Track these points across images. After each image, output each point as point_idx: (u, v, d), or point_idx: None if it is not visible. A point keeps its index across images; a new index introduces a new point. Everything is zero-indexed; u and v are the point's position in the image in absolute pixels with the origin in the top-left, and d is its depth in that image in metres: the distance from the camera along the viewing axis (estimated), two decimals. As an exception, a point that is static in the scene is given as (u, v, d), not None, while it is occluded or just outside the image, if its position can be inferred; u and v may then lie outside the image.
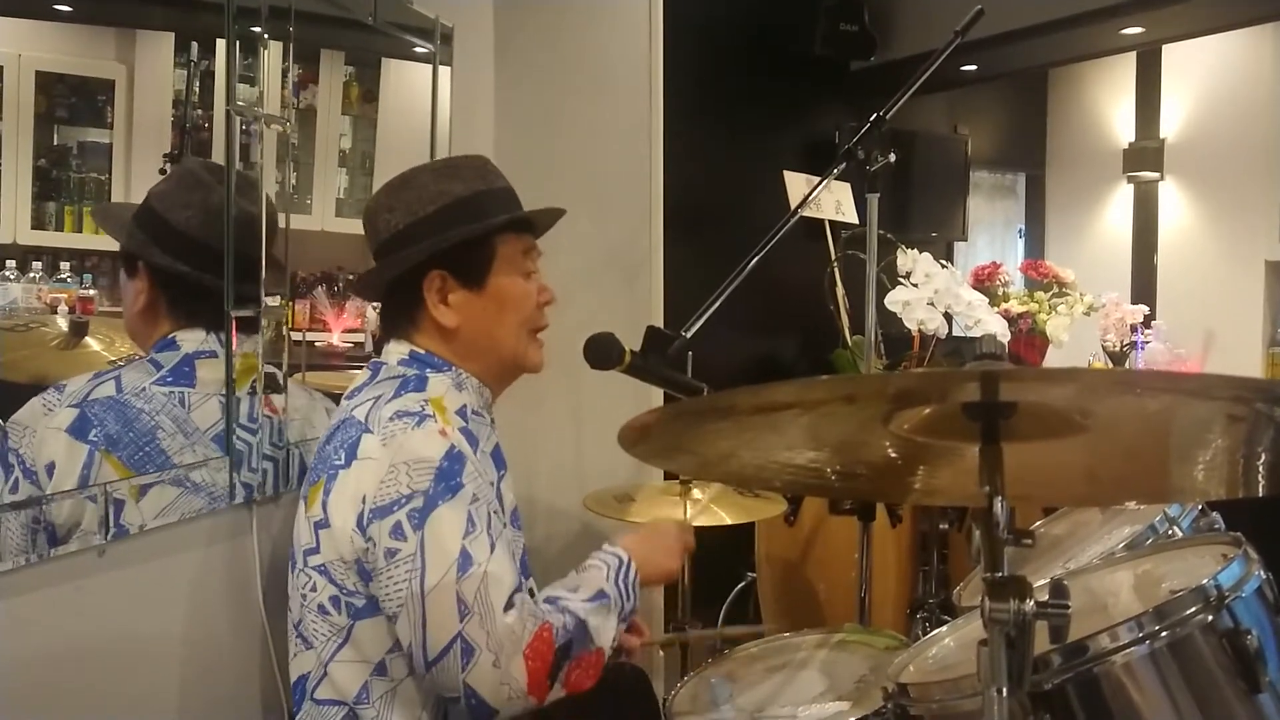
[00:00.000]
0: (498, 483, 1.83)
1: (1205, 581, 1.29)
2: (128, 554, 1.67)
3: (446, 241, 1.80)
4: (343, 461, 1.68)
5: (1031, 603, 1.04)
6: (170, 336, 1.87)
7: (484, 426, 1.85)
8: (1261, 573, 1.36)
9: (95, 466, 1.70)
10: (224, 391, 1.86)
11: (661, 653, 2.70)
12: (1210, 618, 1.27)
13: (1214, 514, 1.87)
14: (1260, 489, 1.24)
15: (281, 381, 1.98)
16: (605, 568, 1.75)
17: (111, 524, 1.64)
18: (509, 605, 1.60)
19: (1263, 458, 1.19)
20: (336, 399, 2.17)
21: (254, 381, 1.91)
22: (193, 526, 1.80)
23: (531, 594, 1.87)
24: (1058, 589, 1.07)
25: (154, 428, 1.77)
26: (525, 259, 1.89)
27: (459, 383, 1.83)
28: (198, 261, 1.86)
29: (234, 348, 1.86)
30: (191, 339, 1.87)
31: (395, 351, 1.85)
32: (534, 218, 1.91)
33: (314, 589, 1.70)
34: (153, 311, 1.88)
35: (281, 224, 2.04)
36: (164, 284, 1.88)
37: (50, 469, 1.68)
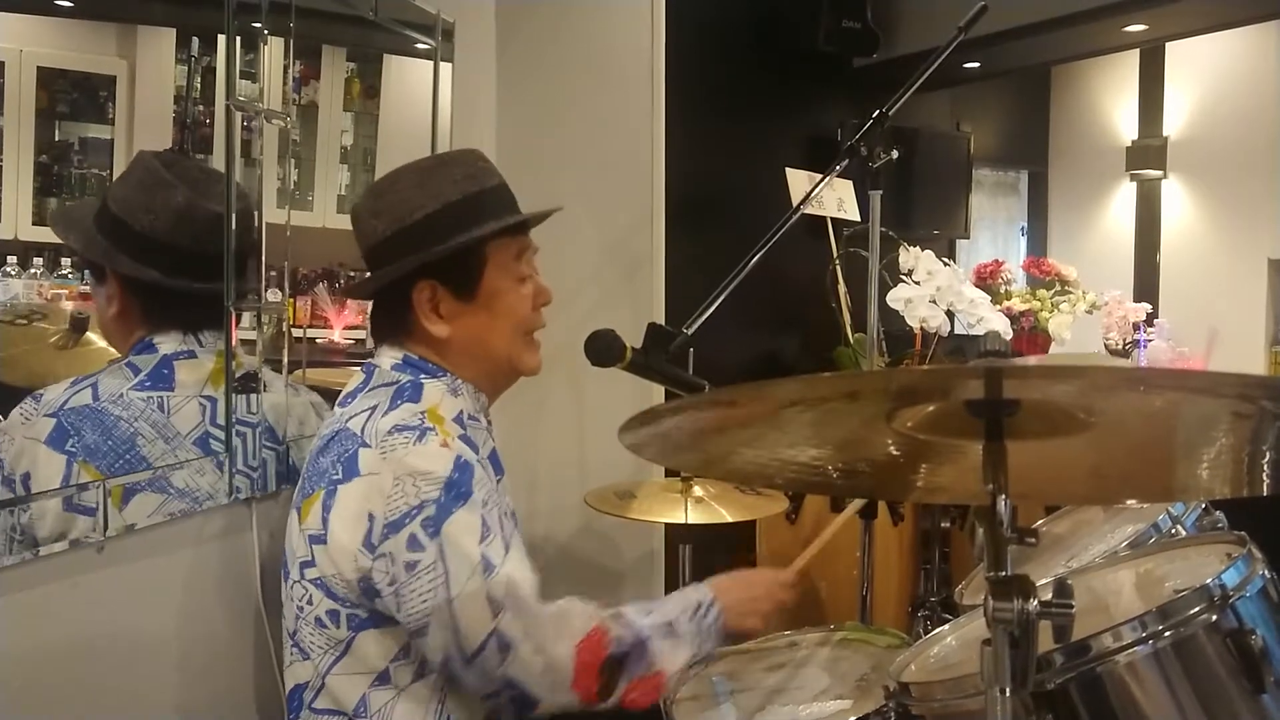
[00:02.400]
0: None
1: (1209, 581, 1.28)
2: (126, 551, 1.66)
3: (433, 256, 1.74)
4: (341, 476, 1.65)
5: (1035, 602, 1.03)
6: (148, 339, 1.84)
7: (480, 431, 1.83)
8: (1266, 572, 1.35)
9: (74, 478, 1.67)
10: (205, 393, 1.85)
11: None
12: (1214, 617, 1.26)
13: (1217, 513, 1.86)
14: (1265, 488, 1.23)
15: (272, 378, 1.97)
16: (685, 603, 1.73)
17: (107, 524, 1.63)
18: (539, 599, 1.60)
19: (1268, 456, 1.18)
20: (332, 394, 2.17)
21: (241, 377, 1.88)
22: (191, 523, 1.79)
23: None
24: (1061, 588, 1.06)
25: (133, 435, 1.75)
26: (519, 262, 1.83)
27: (454, 388, 1.80)
28: (166, 266, 1.82)
29: (206, 345, 1.85)
30: (169, 341, 1.84)
31: (389, 356, 1.82)
32: (526, 220, 1.85)
33: (310, 602, 1.67)
34: (126, 317, 1.85)
35: (281, 220, 2.03)
36: (133, 291, 1.84)
37: (26, 480, 1.66)
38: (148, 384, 1.80)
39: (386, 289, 1.80)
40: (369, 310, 1.91)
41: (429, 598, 1.58)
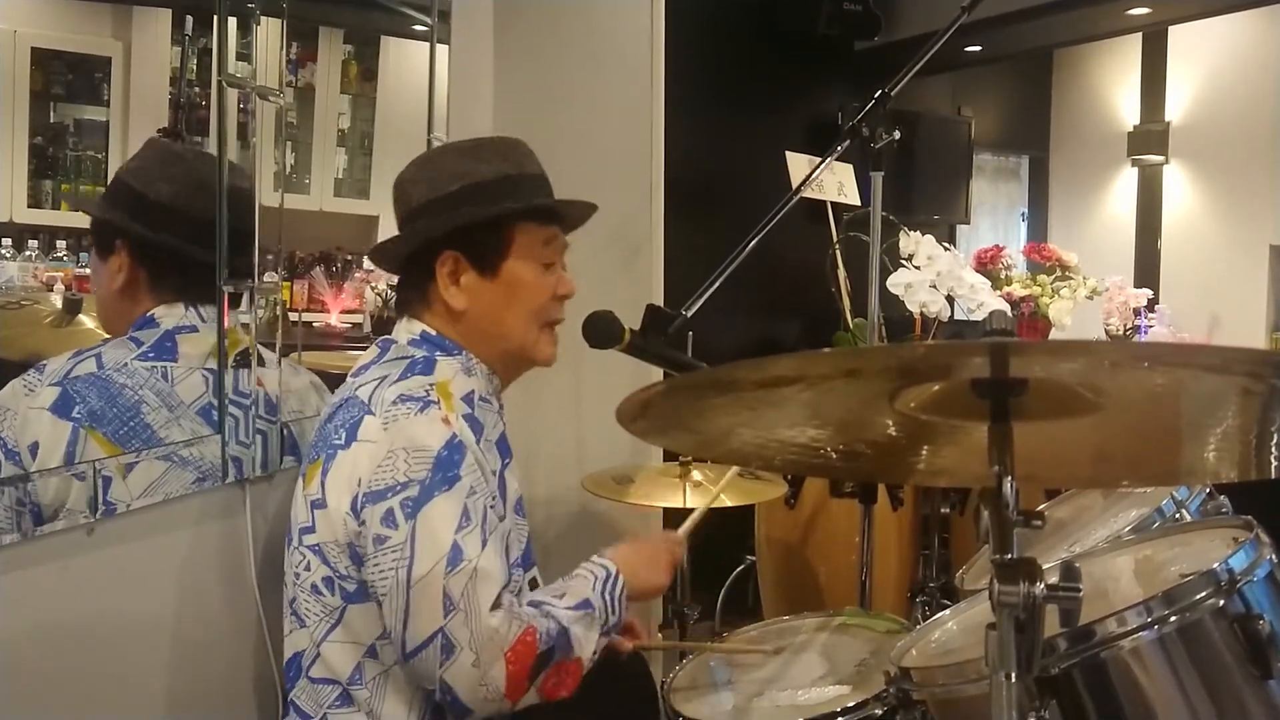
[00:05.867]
0: (501, 471, 1.80)
1: (1216, 565, 1.27)
2: (117, 532, 1.64)
3: (457, 221, 1.76)
4: (343, 442, 1.66)
5: (1041, 585, 1.01)
6: (149, 314, 1.83)
7: (491, 413, 1.81)
8: (1273, 557, 1.33)
9: (80, 444, 1.67)
10: (208, 365, 1.83)
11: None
12: (1221, 602, 1.25)
13: (1222, 497, 1.85)
14: (1272, 471, 1.22)
15: (268, 356, 1.95)
16: (593, 578, 1.71)
17: (100, 502, 1.62)
18: (496, 605, 1.57)
19: (1276, 438, 1.16)
20: (329, 377, 2.15)
21: (238, 354, 1.87)
22: (184, 504, 1.78)
23: (534, 583, 1.85)
24: (1068, 571, 1.05)
25: (138, 403, 1.75)
26: (546, 249, 1.83)
27: (468, 367, 1.80)
28: (180, 232, 1.83)
29: (209, 321, 1.84)
30: (171, 315, 1.83)
31: (406, 331, 1.82)
32: (557, 208, 1.86)
33: (308, 568, 1.68)
34: (132, 289, 1.84)
35: (276, 203, 2.01)
36: (145, 258, 1.84)
37: (34, 449, 1.65)
38: (151, 355, 1.80)
39: (413, 257, 1.82)
40: (397, 281, 1.91)
41: (389, 575, 1.57)
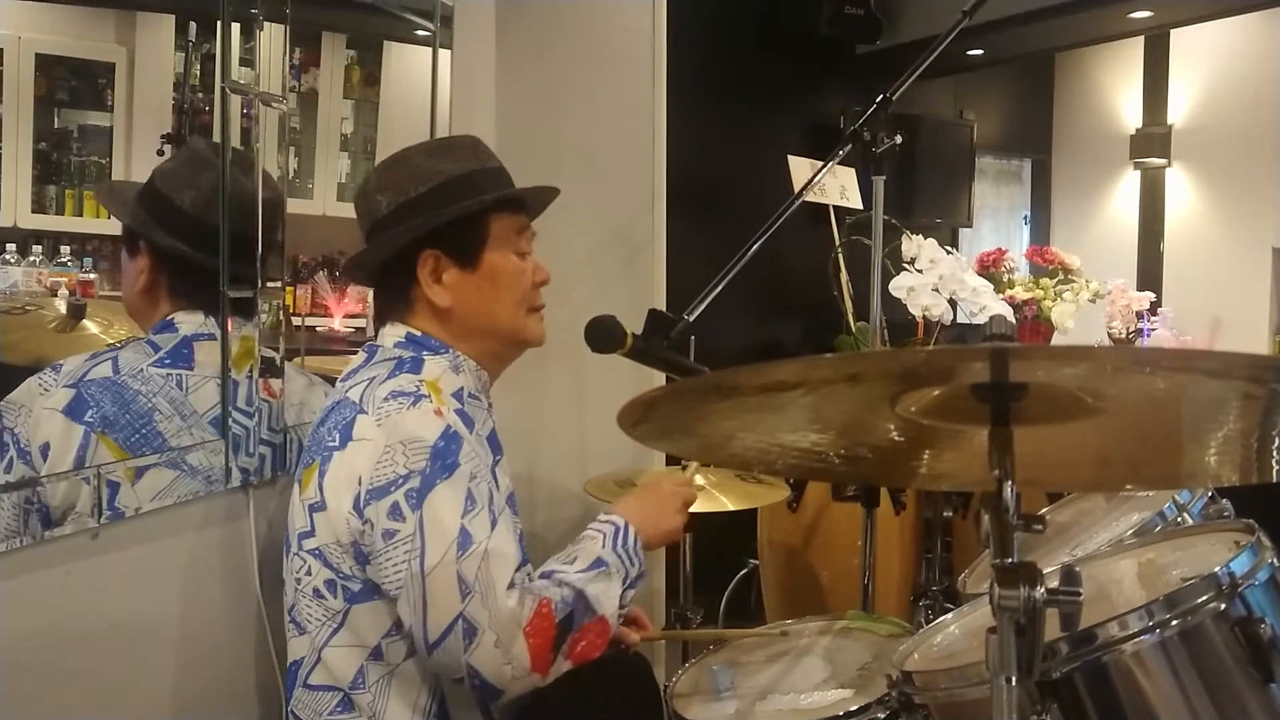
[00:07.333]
0: (493, 466, 1.80)
1: (1217, 569, 1.27)
2: (122, 537, 1.65)
3: (441, 219, 1.78)
4: (337, 443, 1.67)
5: (1042, 590, 1.01)
6: (169, 318, 1.85)
7: (480, 410, 1.83)
8: (1275, 560, 1.33)
9: (91, 448, 1.68)
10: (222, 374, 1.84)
11: (663, 641, 2.69)
12: (1222, 606, 1.25)
13: (1224, 501, 1.85)
14: (1274, 474, 1.22)
15: (279, 365, 1.96)
16: (601, 536, 1.72)
17: (105, 507, 1.62)
18: (512, 584, 1.58)
19: (1277, 441, 1.16)
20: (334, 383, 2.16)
21: (252, 365, 1.88)
22: (188, 510, 1.78)
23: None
24: (1069, 576, 1.04)
25: (151, 410, 1.76)
26: (519, 238, 1.87)
27: (456, 365, 1.81)
28: (200, 242, 1.84)
29: (229, 329, 1.84)
30: (190, 321, 1.85)
31: (391, 334, 1.84)
32: (527, 195, 1.89)
33: (309, 573, 1.68)
34: (153, 292, 1.87)
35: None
36: (165, 264, 1.86)
37: (45, 450, 1.66)
38: (167, 361, 1.81)
39: (390, 264, 1.83)
40: (371, 294, 1.93)
41: (403, 569, 1.58)
